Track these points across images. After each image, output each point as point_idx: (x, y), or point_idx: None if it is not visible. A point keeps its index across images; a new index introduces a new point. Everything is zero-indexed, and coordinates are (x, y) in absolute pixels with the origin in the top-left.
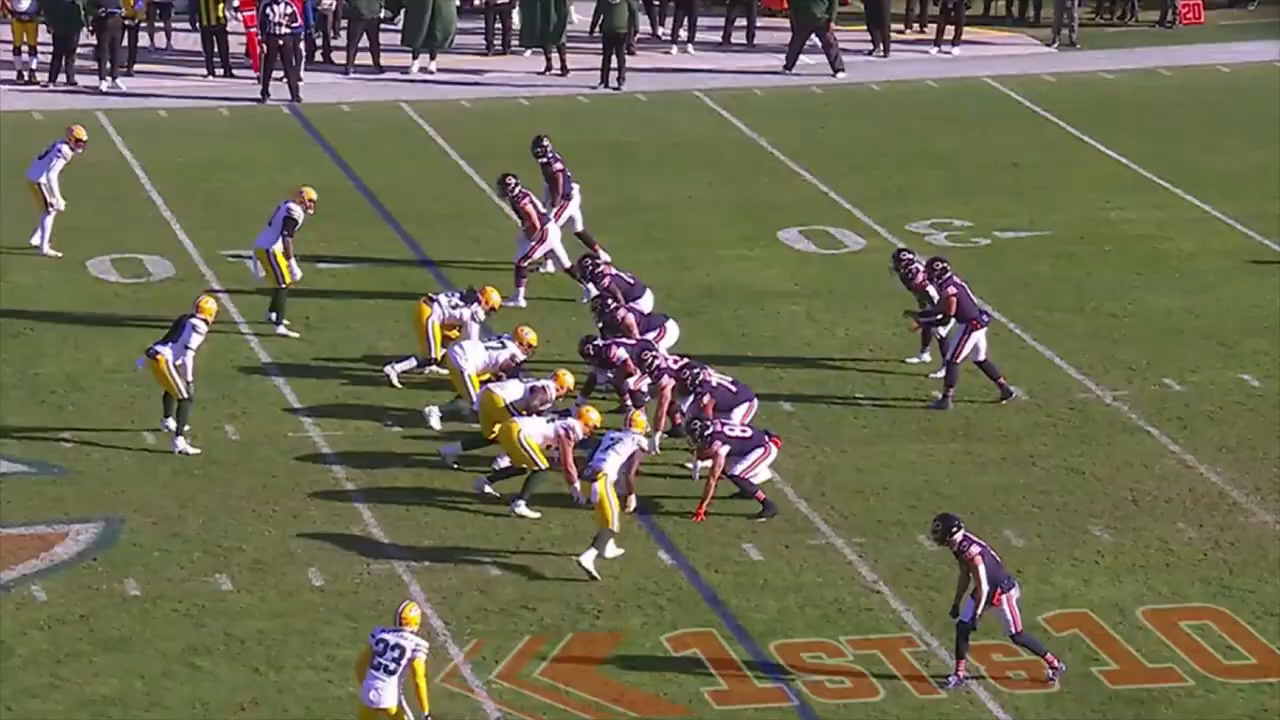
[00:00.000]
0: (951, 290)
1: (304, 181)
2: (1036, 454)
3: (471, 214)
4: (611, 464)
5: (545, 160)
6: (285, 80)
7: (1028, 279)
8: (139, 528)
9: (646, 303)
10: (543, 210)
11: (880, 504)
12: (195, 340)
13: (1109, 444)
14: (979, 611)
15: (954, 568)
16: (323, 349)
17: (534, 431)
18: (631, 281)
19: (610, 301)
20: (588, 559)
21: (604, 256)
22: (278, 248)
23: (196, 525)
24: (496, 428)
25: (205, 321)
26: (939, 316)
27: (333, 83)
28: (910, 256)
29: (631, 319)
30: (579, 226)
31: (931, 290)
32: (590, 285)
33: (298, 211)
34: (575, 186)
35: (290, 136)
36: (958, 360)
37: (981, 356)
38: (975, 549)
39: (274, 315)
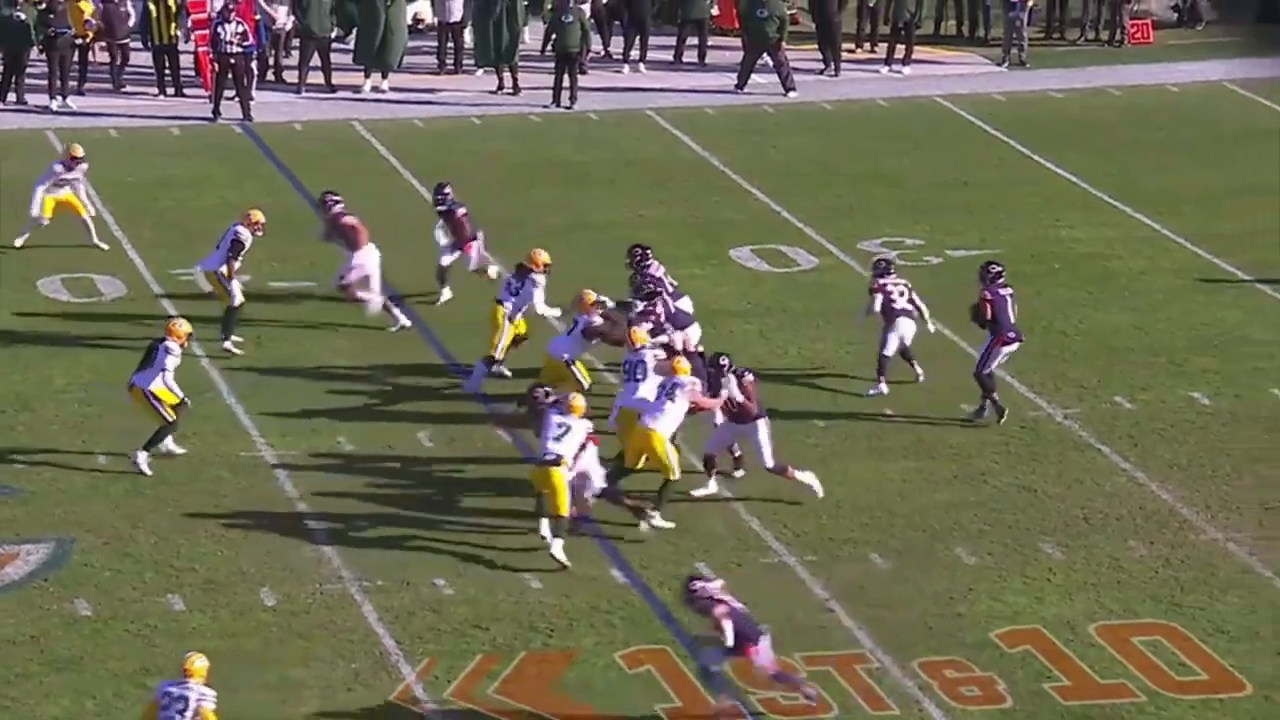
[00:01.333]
0: (988, 295)
1: (256, 200)
2: (988, 471)
3: (424, 232)
4: (568, 449)
5: (446, 208)
6: (237, 99)
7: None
8: (90, 548)
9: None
10: (359, 228)
11: (832, 522)
12: (171, 364)
13: (1060, 462)
14: (723, 663)
15: (906, 584)
16: (274, 367)
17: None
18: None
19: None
20: (557, 549)
21: (445, 296)
22: (224, 270)
23: (148, 545)
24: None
25: (179, 344)
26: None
27: (285, 102)
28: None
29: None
30: (473, 265)
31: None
32: (402, 318)
33: (245, 234)
34: (479, 232)
35: (242, 155)
36: (985, 371)
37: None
38: (721, 609)
39: (222, 333)
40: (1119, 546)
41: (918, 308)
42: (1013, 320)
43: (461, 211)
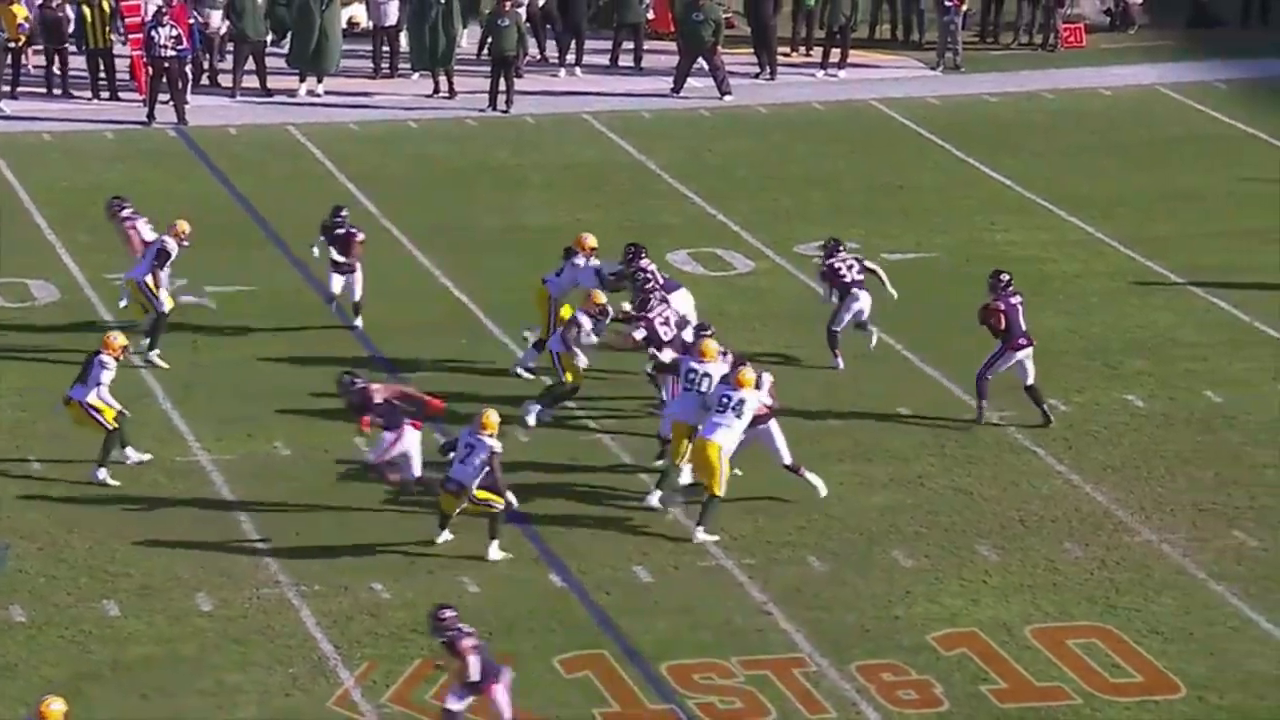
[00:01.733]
0: (1001, 305)
1: (191, 204)
2: (924, 475)
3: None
4: (470, 476)
5: (343, 231)
6: (171, 103)
7: (914, 300)
8: (24, 554)
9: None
10: (147, 239)
11: (770, 525)
12: (106, 377)
13: (996, 464)
14: (466, 700)
15: (843, 587)
16: (210, 372)
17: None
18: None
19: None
20: (494, 551)
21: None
22: (149, 279)
23: (83, 550)
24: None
25: (114, 358)
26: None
27: (219, 106)
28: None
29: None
30: (357, 294)
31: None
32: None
33: (172, 245)
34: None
35: (176, 159)
36: (988, 376)
37: (1029, 381)
38: (468, 642)
39: (147, 343)
40: (1054, 548)
41: (874, 272)
42: (1024, 327)
43: (359, 238)
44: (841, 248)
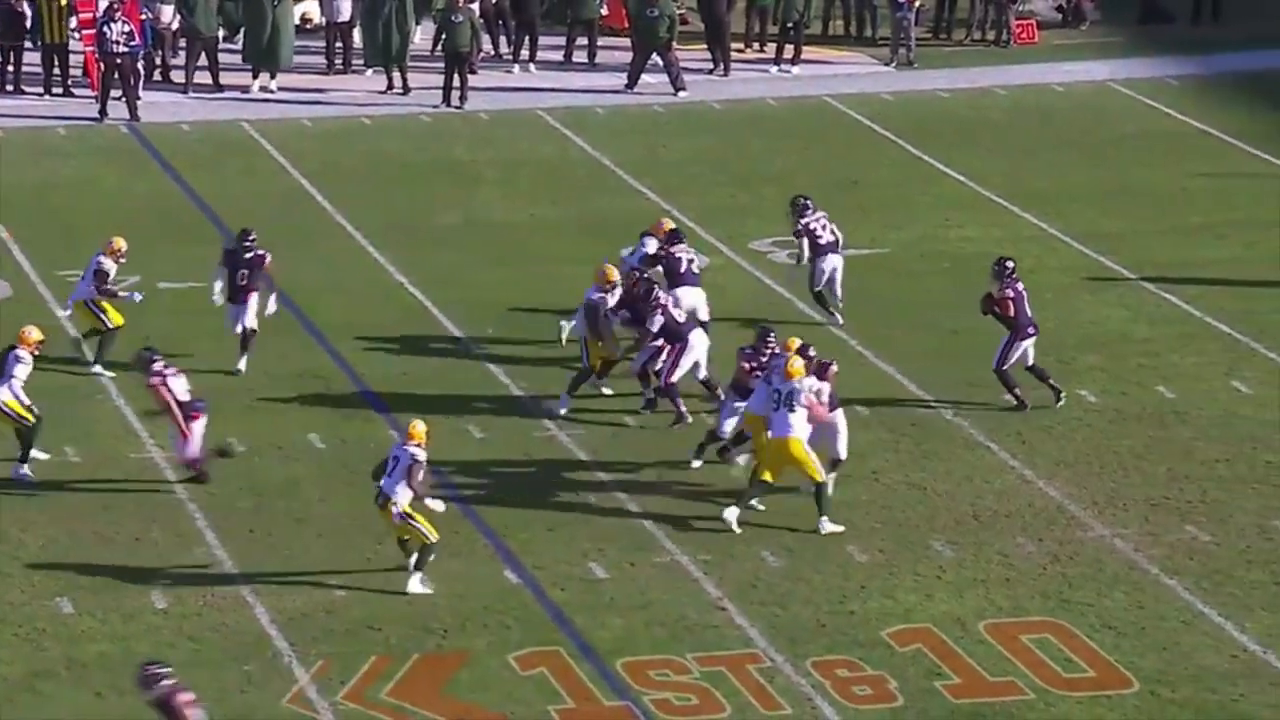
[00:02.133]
0: (1010, 293)
1: (144, 200)
2: (879, 470)
3: (313, 232)
4: (400, 489)
5: (252, 255)
6: (124, 99)
7: (869, 296)
8: None
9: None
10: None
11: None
12: (21, 371)
13: (949, 459)
14: None
15: (799, 582)
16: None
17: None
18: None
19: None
20: (414, 584)
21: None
22: (95, 298)
23: (36, 548)
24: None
25: (30, 353)
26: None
27: (172, 102)
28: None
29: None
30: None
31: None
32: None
33: (108, 264)
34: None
35: (129, 156)
36: (1004, 367)
37: (1030, 362)
38: (184, 696)
39: (95, 357)
40: (1008, 543)
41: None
42: (1029, 314)
43: (268, 260)
44: (810, 205)
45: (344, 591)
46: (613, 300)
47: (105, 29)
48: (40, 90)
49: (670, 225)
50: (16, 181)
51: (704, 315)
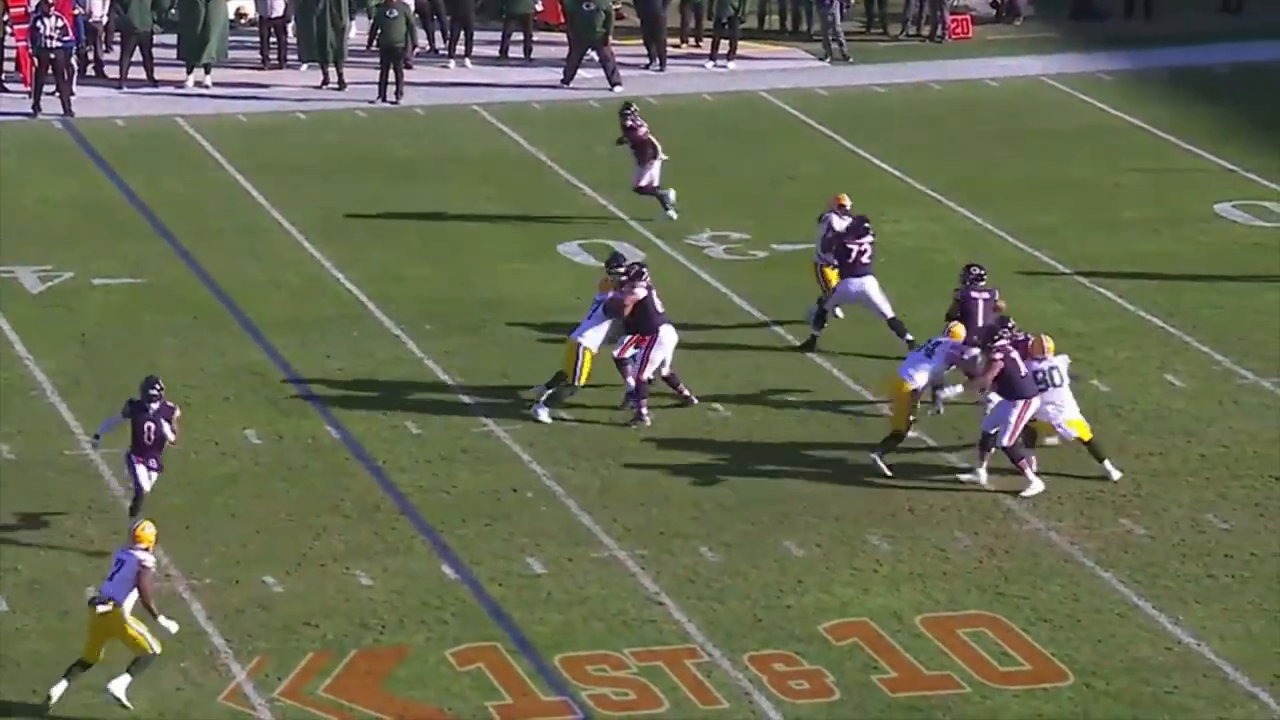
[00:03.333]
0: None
1: (78, 195)
2: (815, 464)
3: (249, 228)
4: (120, 591)
5: (158, 405)
6: (57, 94)
7: (805, 291)
8: None
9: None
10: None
11: (662, 514)
12: None
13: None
14: None
15: (736, 577)
16: (99, 366)
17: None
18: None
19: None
20: (119, 686)
21: None
22: None
23: None
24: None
25: None
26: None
27: (106, 97)
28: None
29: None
30: None
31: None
32: None
33: None
34: None
35: (63, 151)
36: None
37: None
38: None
39: None
40: (945, 537)
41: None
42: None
43: (176, 414)
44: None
45: (281, 588)
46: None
47: (38, 24)
48: None
49: (845, 199)
50: None
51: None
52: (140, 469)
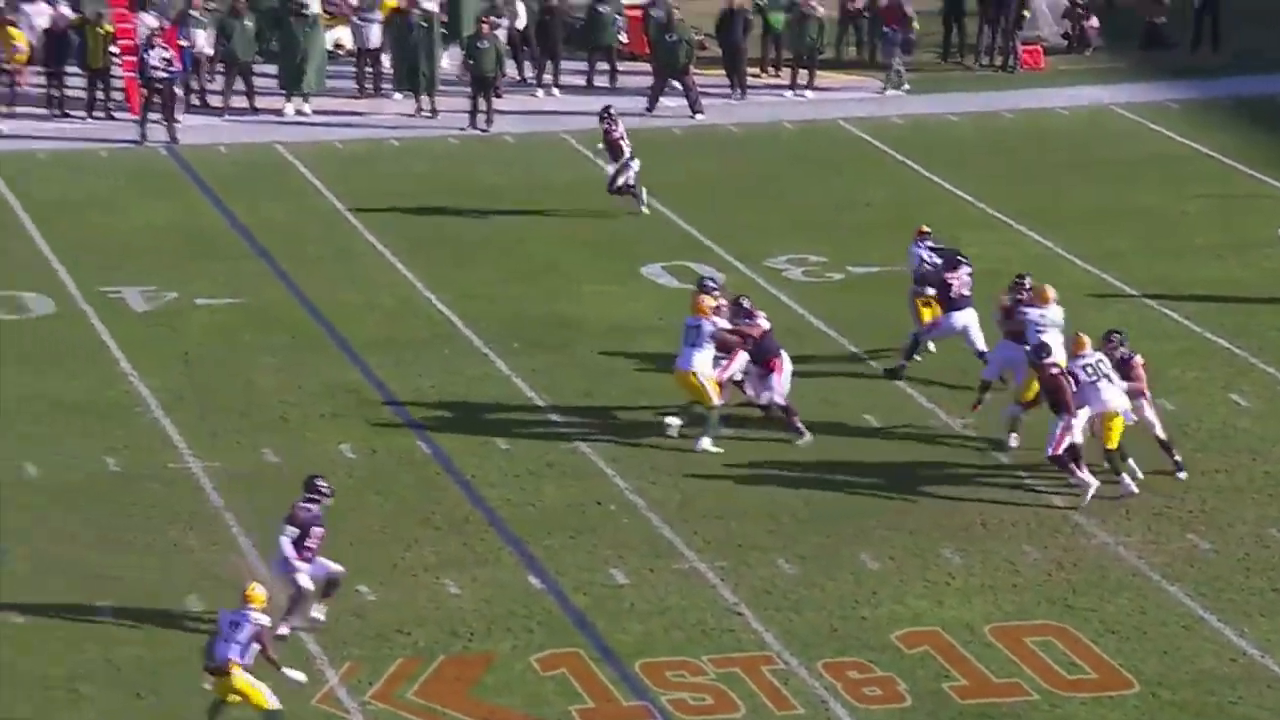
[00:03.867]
0: (1054, 370)
1: (182, 219)
2: (891, 480)
3: (345, 251)
4: (240, 653)
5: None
6: (163, 123)
7: (880, 313)
8: (21, 556)
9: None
10: None
11: (741, 528)
12: None
13: (959, 469)
14: None
15: (812, 588)
16: (200, 383)
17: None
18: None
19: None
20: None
21: None
22: None
23: (74, 557)
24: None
25: None
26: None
27: (209, 125)
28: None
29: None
30: None
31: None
32: None
33: None
34: None
35: (168, 177)
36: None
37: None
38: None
39: None
40: (1014, 551)
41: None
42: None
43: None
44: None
45: (374, 597)
46: (713, 326)
47: (145, 55)
48: (83, 114)
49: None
50: (60, 201)
51: (977, 340)
52: (300, 566)
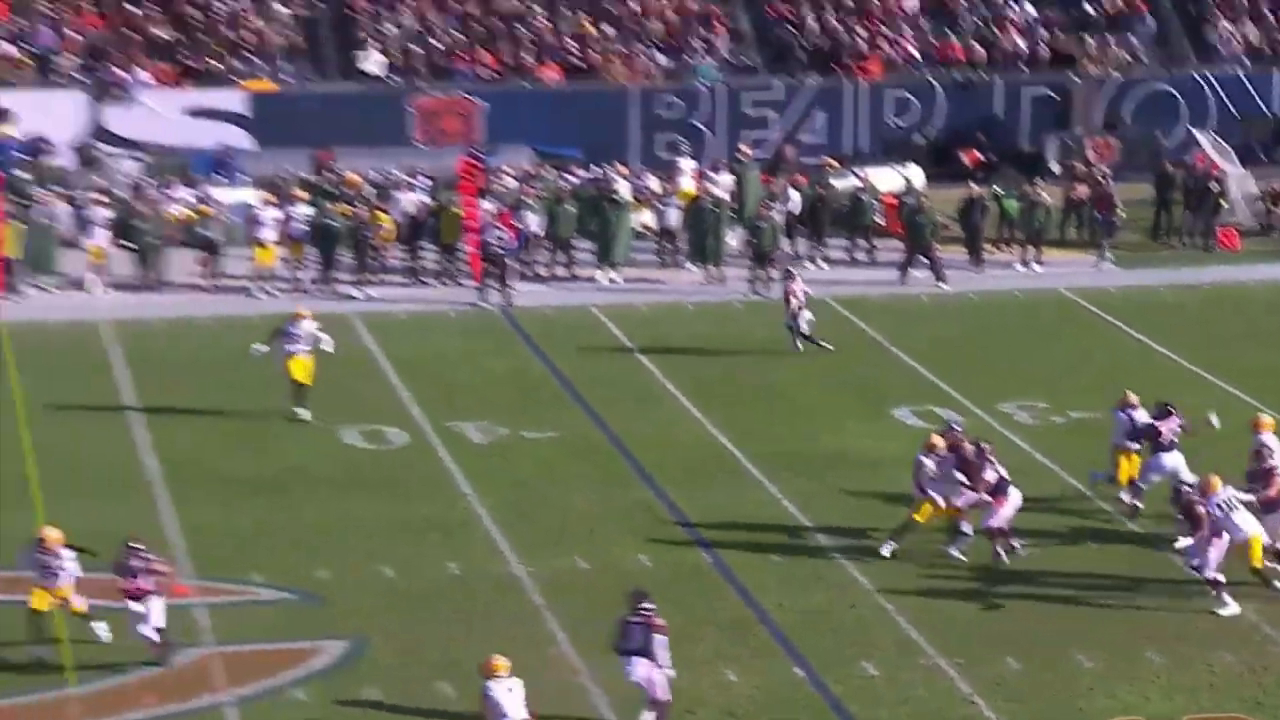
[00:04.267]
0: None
1: (513, 368)
2: (1095, 588)
3: (645, 395)
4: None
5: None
6: (500, 288)
7: (1099, 451)
8: (381, 645)
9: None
10: None
11: (975, 629)
12: None
13: (1162, 584)
14: None
15: (1036, 681)
16: (527, 503)
17: None
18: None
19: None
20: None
21: None
22: None
23: (436, 648)
24: None
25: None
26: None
27: (536, 291)
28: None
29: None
30: None
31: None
32: None
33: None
34: None
35: (502, 334)
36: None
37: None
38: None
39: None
40: (1211, 655)
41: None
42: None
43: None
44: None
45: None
46: (933, 463)
47: (486, 234)
48: (435, 281)
49: (1133, 397)
50: (416, 353)
51: (1186, 476)
52: (640, 669)
